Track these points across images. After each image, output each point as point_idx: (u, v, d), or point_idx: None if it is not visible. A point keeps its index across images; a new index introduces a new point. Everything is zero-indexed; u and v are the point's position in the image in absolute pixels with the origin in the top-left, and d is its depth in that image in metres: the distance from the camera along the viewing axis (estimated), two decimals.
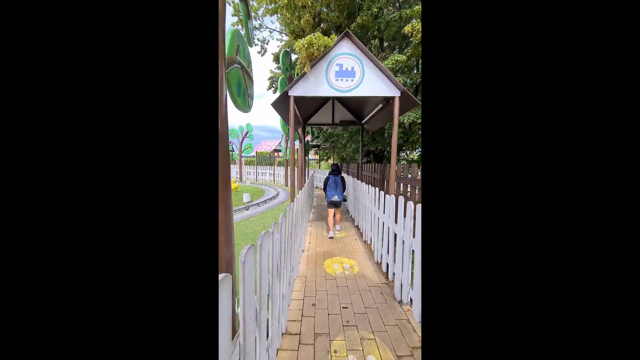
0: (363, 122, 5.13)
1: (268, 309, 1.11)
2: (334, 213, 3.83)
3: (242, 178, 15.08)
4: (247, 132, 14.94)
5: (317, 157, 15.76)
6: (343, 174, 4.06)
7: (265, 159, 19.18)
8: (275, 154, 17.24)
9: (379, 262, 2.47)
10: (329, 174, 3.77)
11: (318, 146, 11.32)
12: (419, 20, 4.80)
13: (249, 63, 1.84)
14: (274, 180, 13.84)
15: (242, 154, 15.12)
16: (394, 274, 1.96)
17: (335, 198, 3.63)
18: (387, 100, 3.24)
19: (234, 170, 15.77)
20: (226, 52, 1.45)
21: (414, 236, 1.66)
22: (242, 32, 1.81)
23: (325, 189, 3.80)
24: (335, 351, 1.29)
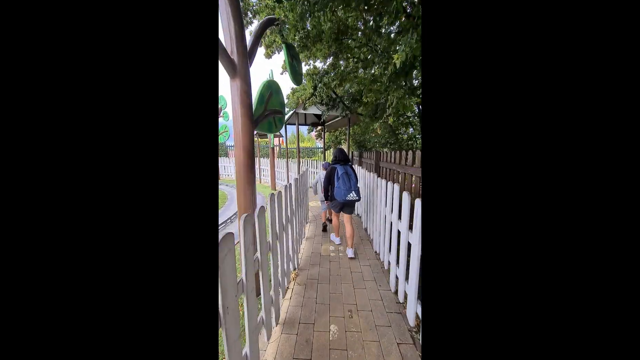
0: None
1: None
2: (349, 221, 2.34)
3: (218, 174, 10.93)
4: (221, 109, 10.60)
5: (319, 140, 11.14)
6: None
7: (264, 149, 14.87)
8: (262, 140, 12.81)
9: None
10: (333, 163, 2.37)
11: (321, 122, 6.76)
12: None
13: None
14: (259, 178, 9.57)
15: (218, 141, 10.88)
16: None
17: (353, 196, 2.21)
18: None
19: None
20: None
21: None
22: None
23: (327, 187, 2.39)
24: None
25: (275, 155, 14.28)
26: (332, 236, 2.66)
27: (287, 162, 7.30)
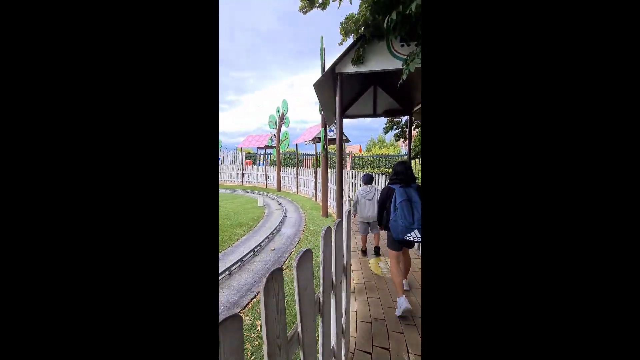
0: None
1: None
2: (406, 252, 1.73)
3: (280, 187, 9.89)
4: (283, 115, 9.55)
5: (404, 144, 7.24)
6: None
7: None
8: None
9: None
10: (390, 182, 1.66)
11: (404, 111, 3.67)
12: None
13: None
14: (315, 193, 7.46)
15: (281, 151, 9.87)
16: None
17: (414, 236, 1.49)
18: None
19: (270, 174, 10.89)
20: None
21: None
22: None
23: (382, 213, 1.68)
24: None
25: (348, 166, 11.86)
26: (400, 300, 1.56)
27: (337, 178, 4.69)
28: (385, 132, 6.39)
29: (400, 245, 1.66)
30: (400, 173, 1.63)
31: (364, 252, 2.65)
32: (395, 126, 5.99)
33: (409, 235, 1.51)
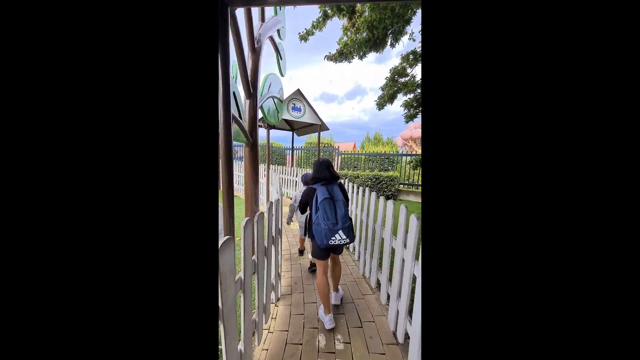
0: None
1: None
2: (333, 266, 1.60)
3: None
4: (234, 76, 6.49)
5: (409, 141, 4.62)
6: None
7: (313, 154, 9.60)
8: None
9: None
10: (312, 182, 1.49)
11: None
12: None
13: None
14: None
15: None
16: None
17: (339, 238, 1.33)
18: None
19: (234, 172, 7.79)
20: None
21: None
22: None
23: (306, 213, 1.54)
24: None
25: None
26: (320, 312, 1.48)
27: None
28: (381, 106, 3.40)
29: (326, 252, 1.46)
30: (321, 170, 1.43)
31: (301, 251, 2.53)
32: (401, 88, 3.01)
33: (334, 238, 1.32)
